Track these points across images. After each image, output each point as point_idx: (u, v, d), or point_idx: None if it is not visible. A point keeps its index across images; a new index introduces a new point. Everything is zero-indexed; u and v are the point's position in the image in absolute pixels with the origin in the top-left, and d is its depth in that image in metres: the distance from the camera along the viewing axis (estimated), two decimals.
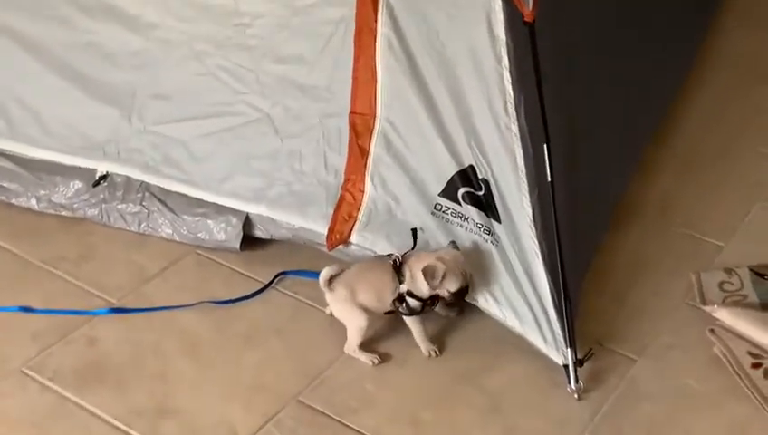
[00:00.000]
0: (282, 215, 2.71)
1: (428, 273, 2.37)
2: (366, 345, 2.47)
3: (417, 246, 2.51)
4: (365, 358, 2.45)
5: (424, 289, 2.40)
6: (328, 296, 2.49)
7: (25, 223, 2.89)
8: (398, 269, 2.42)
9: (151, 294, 2.67)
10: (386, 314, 2.48)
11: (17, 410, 2.34)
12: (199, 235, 2.79)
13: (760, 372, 2.38)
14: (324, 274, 2.46)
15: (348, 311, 2.45)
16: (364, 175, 2.58)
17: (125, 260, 2.78)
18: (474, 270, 2.46)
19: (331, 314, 2.53)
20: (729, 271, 2.69)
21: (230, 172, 2.77)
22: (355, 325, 2.45)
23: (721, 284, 2.65)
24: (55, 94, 2.88)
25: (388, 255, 2.49)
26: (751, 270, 2.68)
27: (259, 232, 2.76)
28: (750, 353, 2.42)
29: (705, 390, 2.38)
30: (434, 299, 2.43)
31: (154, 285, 2.70)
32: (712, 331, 2.48)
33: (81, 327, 2.55)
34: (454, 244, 2.46)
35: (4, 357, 2.47)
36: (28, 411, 2.34)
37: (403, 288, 2.41)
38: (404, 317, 2.46)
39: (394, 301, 2.43)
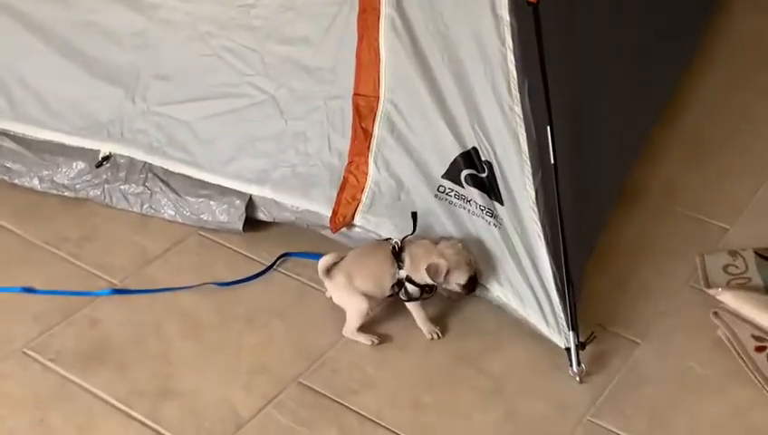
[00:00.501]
0: (285, 197, 2.71)
1: (432, 271, 2.38)
2: (366, 327, 2.47)
3: (417, 230, 2.50)
4: (364, 339, 2.45)
5: (420, 277, 2.40)
6: (327, 284, 2.49)
7: (28, 204, 2.89)
8: (397, 255, 2.41)
9: (153, 275, 2.67)
10: (387, 298, 2.48)
11: (19, 391, 2.34)
12: (202, 216, 2.78)
13: (763, 355, 2.37)
14: (323, 263, 2.46)
15: (347, 297, 2.45)
16: (368, 157, 2.57)
17: (127, 241, 2.77)
18: (476, 253, 2.45)
19: (332, 298, 2.53)
20: (734, 254, 2.68)
21: (234, 154, 2.76)
22: (355, 310, 2.44)
23: (725, 266, 2.63)
24: (58, 74, 2.87)
25: (387, 239, 2.49)
26: (756, 253, 2.67)
27: (262, 215, 2.76)
28: (754, 337, 2.41)
29: (709, 373, 2.37)
30: (432, 286, 2.43)
31: (156, 267, 2.69)
32: (716, 314, 2.47)
33: (84, 308, 2.55)
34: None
35: (6, 338, 2.47)
36: (30, 392, 2.34)
37: (402, 274, 2.41)
38: (406, 302, 2.46)
39: (393, 286, 2.42)
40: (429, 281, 2.39)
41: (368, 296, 2.44)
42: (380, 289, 2.44)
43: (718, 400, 2.31)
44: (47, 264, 2.70)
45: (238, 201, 2.75)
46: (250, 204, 2.74)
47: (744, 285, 2.56)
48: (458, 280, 2.39)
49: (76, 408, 2.30)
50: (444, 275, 2.37)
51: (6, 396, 2.33)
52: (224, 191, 2.77)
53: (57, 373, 2.38)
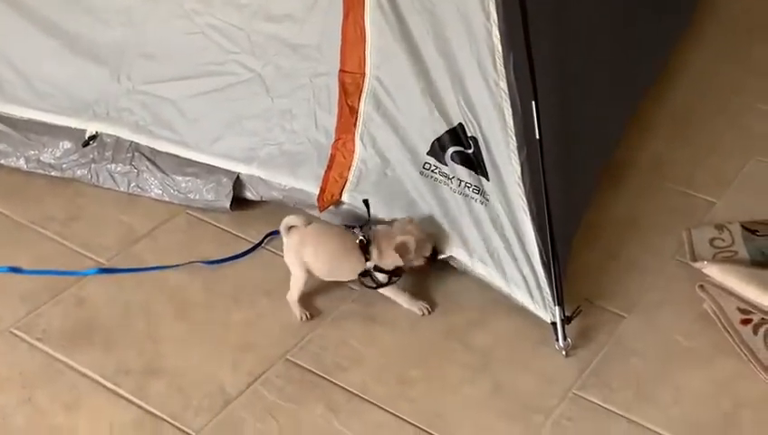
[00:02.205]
0: (273, 175, 2.71)
1: (402, 250, 2.40)
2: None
3: (379, 215, 2.53)
4: (296, 311, 2.47)
5: (389, 262, 2.42)
6: (284, 241, 2.50)
7: (14, 184, 2.89)
8: (364, 247, 2.43)
9: (140, 254, 2.67)
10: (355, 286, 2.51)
11: (6, 370, 2.34)
12: (189, 195, 2.78)
13: (749, 328, 2.37)
14: (287, 220, 2.49)
15: (293, 262, 2.47)
16: (354, 134, 2.56)
17: (114, 220, 2.77)
18: (463, 230, 2.46)
19: None
20: (720, 227, 2.68)
21: (221, 132, 2.76)
22: (294, 278, 2.47)
23: (712, 240, 2.64)
24: (42, 53, 2.87)
25: (352, 228, 2.49)
26: (742, 226, 2.67)
27: (250, 194, 2.76)
28: (739, 310, 2.41)
29: (694, 346, 2.38)
30: (398, 270, 2.45)
31: (143, 245, 2.69)
32: (701, 287, 2.48)
33: (70, 287, 2.55)
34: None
35: None
36: (17, 371, 2.34)
37: (370, 265, 2.43)
38: (382, 291, 2.47)
39: (360, 276, 2.45)
40: (399, 262, 2.41)
41: (309, 272, 2.46)
42: (329, 273, 2.47)
43: (704, 372, 2.31)
44: (34, 243, 2.70)
45: (225, 179, 2.74)
46: (237, 182, 2.74)
47: (730, 259, 2.56)
48: (425, 253, 2.43)
49: (63, 386, 2.30)
50: (413, 250, 2.40)
51: None
52: (211, 170, 2.77)
53: (44, 352, 2.38)
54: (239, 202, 2.76)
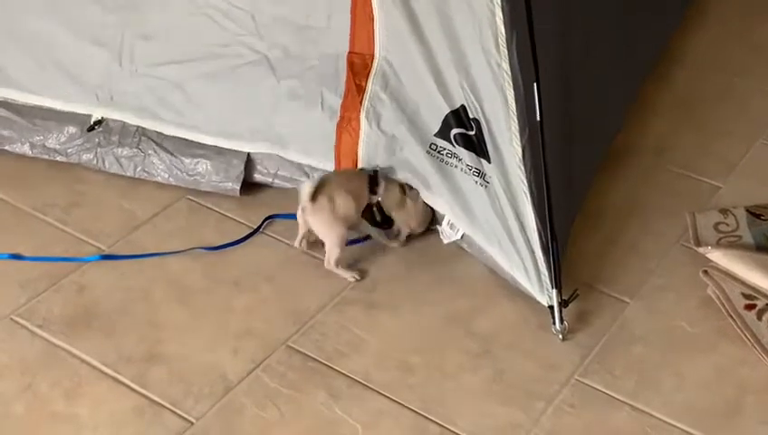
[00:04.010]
0: (283, 154, 2.72)
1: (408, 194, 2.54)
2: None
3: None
4: (346, 274, 2.49)
5: (391, 207, 2.53)
6: (308, 210, 2.49)
7: (14, 170, 2.87)
8: (373, 182, 2.50)
9: (141, 240, 2.65)
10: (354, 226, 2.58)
11: (6, 358, 2.34)
12: (197, 177, 2.76)
13: (753, 313, 2.36)
14: (308, 188, 2.48)
15: (329, 223, 2.48)
16: (359, 113, 2.57)
17: (115, 207, 2.76)
18: (465, 210, 2.48)
19: (303, 245, 2.58)
20: (725, 211, 2.66)
21: (228, 114, 2.75)
22: (336, 236, 2.49)
23: (716, 224, 2.62)
24: (43, 38, 2.84)
25: (362, 169, 2.57)
26: (747, 211, 2.65)
27: (259, 176, 2.75)
28: (743, 295, 2.40)
29: (698, 332, 2.36)
30: (391, 221, 2.57)
31: (144, 232, 2.68)
32: (705, 272, 2.46)
33: (71, 274, 2.54)
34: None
35: None
36: (17, 358, 2.33)
37: (374, 199, 2.51)
38: (374, 235, 2.58)
39: (364, 210, 2.52)
40: (393, 212, 2.53)
41: (345, 222, 2.49)
42: (356, 212, 2.52)
43: (707, 358, 2.30)
44: (34, 230, 2.69)
45: (236, 161, 2.74)
46: (248, 164, 2.74)
47: (734, 243, 2.54)
48: (413, 225, 2.57)
49: (64, 373, 2.29)
50: (416, 201, 2.53)
51: None
52: (220, 151, 2.76)
53: (44, 339, 2.37)
54: (244, 186, 2.74)
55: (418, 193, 2.55)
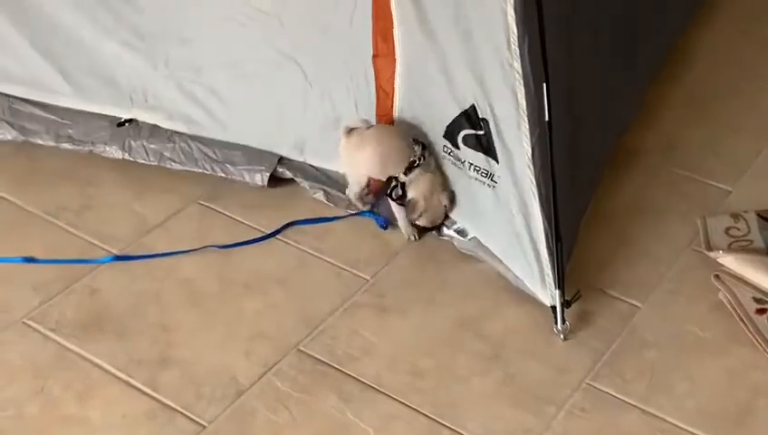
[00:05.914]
0: (315, 160, 2.76)
1: (411, 206, 2.56)
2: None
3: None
4: (409, 231, 2.63)
5: (411, 192, 2.57)
6: (342, 142, 2.61)
7: (27, 173, 2.89)
8: (411, 165, 2.55)
9: (153, 244, 2.66)
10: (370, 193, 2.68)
11: (19, 361, 2.35)
12: (228, 164, 2.78)
13: (764, 317, 2.36)
14: (349, 124, 2.61)
15: (349, 163, 2.63)
16: (392, 117, 2.61)
17: (127, 210, 2.76)
18: (472, 212, 2.50)
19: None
20: (736, 216, 2.65)
21: (261, 118, 2.78)
22: (352, 180, 2.65)
23: (727, 229, 2.61)
24: (78, 44, 2.86)
25: (421, 144, 2.57)
26: (758, 215, 2.64)
27: (289, 172, 2.79)
28: (755, 299, 2.39)
29: (709, 336, 2.36)
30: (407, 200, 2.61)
31: (156, 235, 2.69)
32: (717, 276, 2.46)
33: (83, 278, 2.55)
34: None
35: (6, 308, 2.47)
36: (30, 362, 2.34)
37: (402, 178, 2.56)
38: (393, 205, 2.61)
39: (388, 180, 2.58)
40: (410, 196, 2.56)
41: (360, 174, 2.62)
42: (378, 175, 2.60)
43: (719, 362, 2.30)
44: (46, 234, 2.69)
45: (266, 163, 2.77)
46: (278, 166, 2.78)
47: (745, 248, 2.54)
48: (421, 219, 2.60)
49: (76, 376, 2.30)
50: (418, 214, 2.57)
51: (6, 365, 2.34)
52: (251, 151, 2.80)
53: (57, 343, 2.38)
54: (254, 191, 2.76)
55: (452, 195, 2.58)
